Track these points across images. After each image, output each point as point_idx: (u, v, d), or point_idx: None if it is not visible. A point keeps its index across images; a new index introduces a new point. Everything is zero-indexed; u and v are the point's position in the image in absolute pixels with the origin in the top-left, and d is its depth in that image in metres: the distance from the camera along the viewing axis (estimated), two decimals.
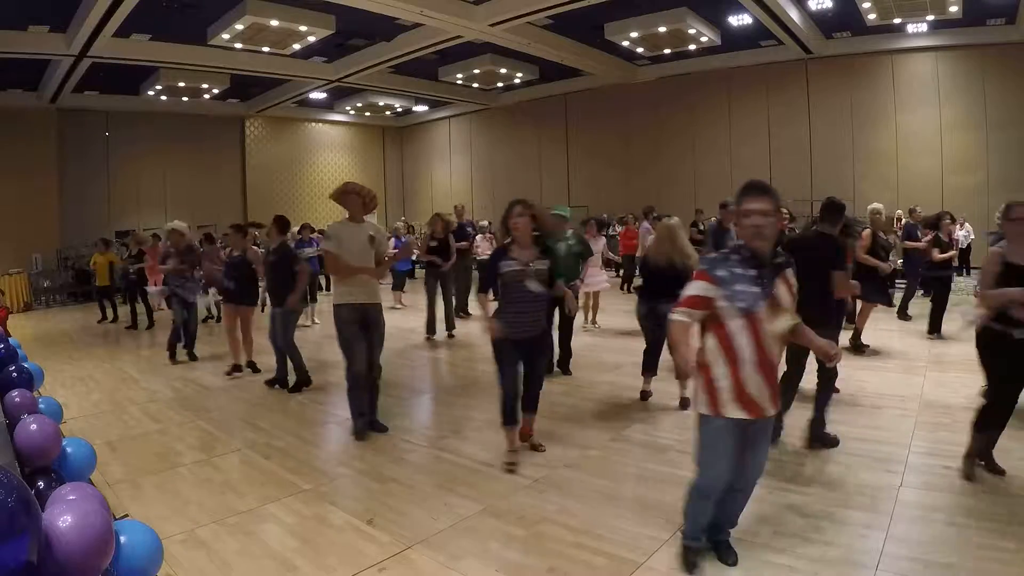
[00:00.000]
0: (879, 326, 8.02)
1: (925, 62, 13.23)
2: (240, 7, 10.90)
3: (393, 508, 3.41)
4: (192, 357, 7.46)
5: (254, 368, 6.68)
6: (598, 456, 4.06)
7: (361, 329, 4.56)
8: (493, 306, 3.98)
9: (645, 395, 5.18)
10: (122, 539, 1.82)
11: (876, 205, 6.87)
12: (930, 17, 11.66)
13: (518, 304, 3.83)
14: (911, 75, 13.47)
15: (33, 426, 2.45)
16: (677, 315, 2.51)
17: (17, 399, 2.98)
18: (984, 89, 12.61)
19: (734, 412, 2.45)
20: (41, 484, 2.31)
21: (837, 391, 4.78)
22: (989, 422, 3.43)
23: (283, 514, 3.37)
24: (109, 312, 11.28)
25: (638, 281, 5.37)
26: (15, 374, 3.57)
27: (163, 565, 2.09)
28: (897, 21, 11.93)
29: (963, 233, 11.97)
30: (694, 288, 2.50)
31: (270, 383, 6.06)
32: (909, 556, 2.71)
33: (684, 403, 4.84)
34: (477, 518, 3.25)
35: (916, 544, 2.81)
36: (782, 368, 2.83)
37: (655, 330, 4.90)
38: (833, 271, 3.88)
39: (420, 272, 10.21)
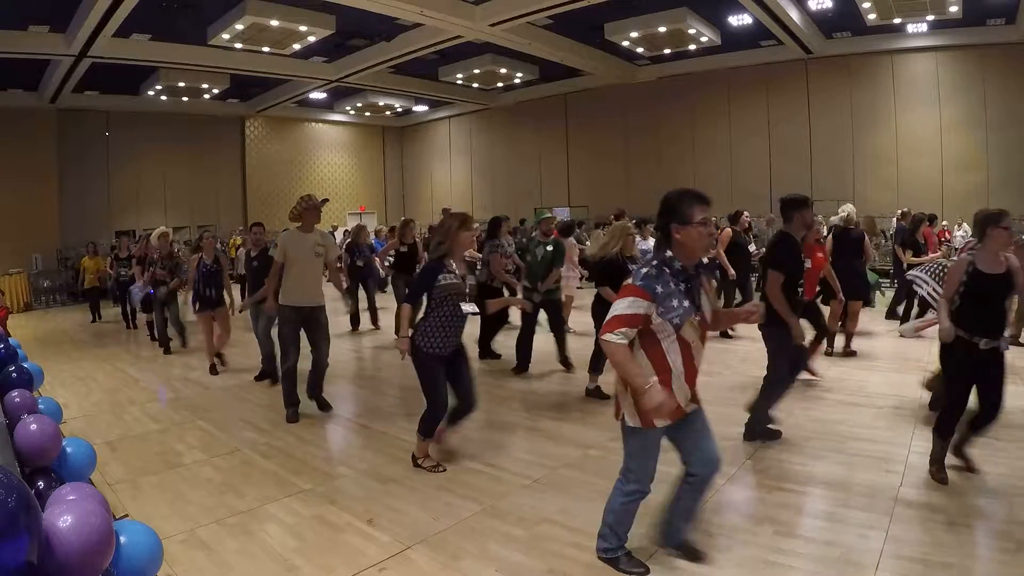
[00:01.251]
0: (879, 327, 8.03)
1: (925, 62, 13.23)
2: (240, 7, 10.90)
3: (393, 508, 3.41)
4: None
5: (221, 360, 7.00)
6: (598, 456, 4.05)
7: (303, 327, 5.00)
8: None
9: (588, 391, 5.36)
10: (122, 539, 1.82)
11: (845, 207, 6.89)
12: (930, 17, 11.66)
13: (451, 316, 3.72)
14: (911, 75, 13.46)
15: (33, 426, 2.45)
16: (616, 337, 2.37)
17: (17, 399, 2.98)
18: (984, 89, 12.61)
19: (661, 421, 2.49)
20: (41, 484, 2.31)
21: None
22: (949, 426, 3.46)
23: (283, 514, 3.37)
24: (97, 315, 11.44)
25: None
26: (15, 374, 3.57)
27: (163, 565, 2.09)
28: (897, 21, 11.93)
29: (960, 234, 11.95)
30: (629, 306, 2.38)
31: (259, 377, 6.39)
32: (909, 556, 2.71)
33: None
34: (477, 518, 3.25)
35: (916, 544, 2.81)
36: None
37: None
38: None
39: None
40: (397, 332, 3.79)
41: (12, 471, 1.60)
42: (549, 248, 6.20)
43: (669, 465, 2.73)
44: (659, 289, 2.37)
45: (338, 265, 5.87)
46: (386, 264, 8.64)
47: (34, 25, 11.17)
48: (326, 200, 5.39)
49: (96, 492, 1.97)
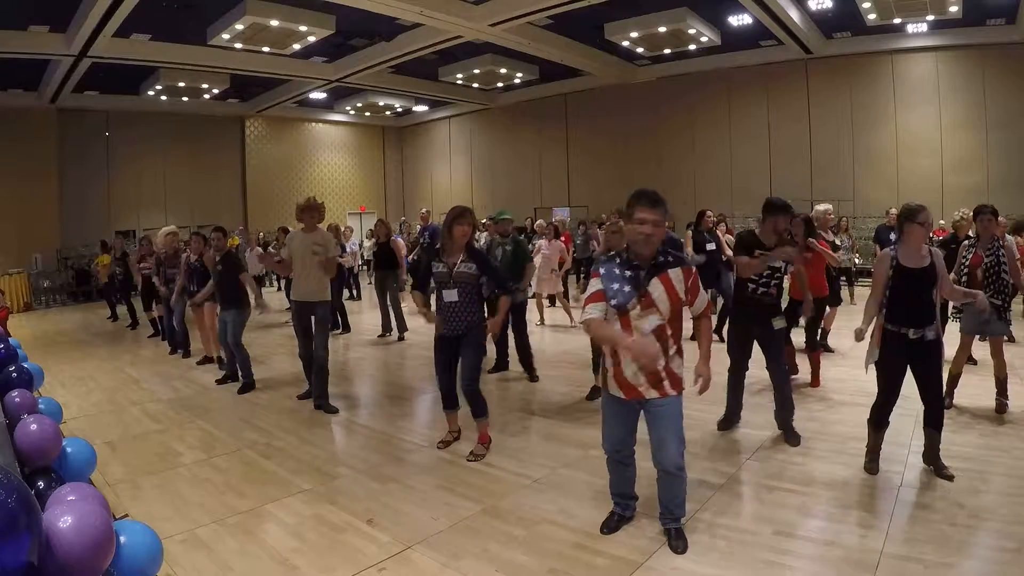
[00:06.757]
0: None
1: (925, 62, 13.22)
2: (240, 7, 10.88)
3: (393, 508, 3.41)
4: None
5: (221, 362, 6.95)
6: (598, 456, 4.02)
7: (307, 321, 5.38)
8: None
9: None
10: (122, 539, 1.82)
11: (822, 206, 6.84)
12: (930, 17, 11.64)
13: (441, 303, 4.12)
14: (911, 75, 13.45)
15: (33, 426, 2.45)
16: (588, 312, 2.78)
17: (17, 399, 2.98)
18: (984, 89, 12.60)
19: (615, 391, 2.84)
20: (41, 484, 2.30)
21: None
22: (882, 416, 3.61)
23: (283, 514, 3.38)
24: (112, 311, 11.39)
25: None
26: (15, 374, 3.57)
27: (163, 565, 2.09)
28: (897, 21, 11.91)
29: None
30: (592, 285, 2.81)
31: (221, 380, 6.39)
32: (909, 556, 2.71)
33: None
34: (477, 518, 3.25)
35: (916, 544, 2.81)
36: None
37: None
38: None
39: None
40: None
41: (12, 471, 1.60)
42: (508, 248, 6.15)
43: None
44: (602, 271, 2.76)
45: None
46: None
47: (34, 25, 11.15)
48: (320, 203, 5.51)
49: (96, 492, 1.96)
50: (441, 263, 4.07)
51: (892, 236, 8.69)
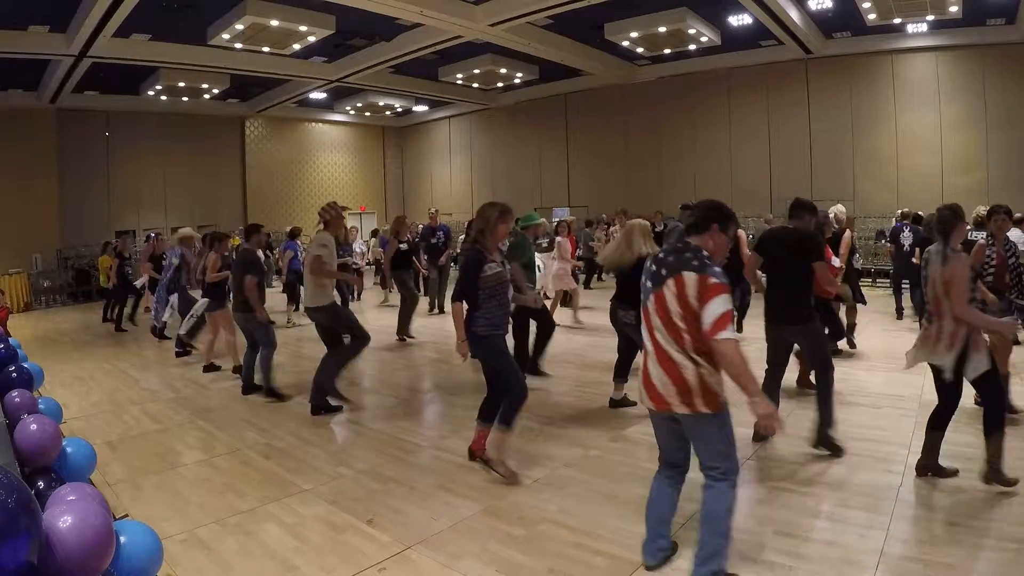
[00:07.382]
0: (881, 327, 8.04)
1: (925, 62, 13.22)
2: (240, 7, 10.89)
3: (393, 508, 3.41)
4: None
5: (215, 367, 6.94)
6: (598, 456, 4.06)
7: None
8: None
9: (614, 402, 5.03)
10: (122, 539, 1.83)
11: (841, 207, 6.83)
12: (930, 17, 11.64)
13: (504, 304, 3.80)
14: (911, 75, 13.45)
15: (33, 426, 2.45)
16: (732, 333, 2.39)
17: (17, 399, 2.99)
18: (984, 89, 12.60)
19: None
20: (41, 484, 2.31)
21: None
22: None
23: (283, 514, 3.38)
24: (111, 313, 11.27)
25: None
26: (15, 374, 3.57)
27: (163, 565, 2.09)
28: (897, 21, 11.90)
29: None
30: (728, 302, 2.41)
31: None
32: (909, 556, 2.71)
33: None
34: (477, 518, 3.25)
35: (916, 544, 2.81)
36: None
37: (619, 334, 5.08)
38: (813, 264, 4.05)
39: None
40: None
41: (12, 471, 1.60)
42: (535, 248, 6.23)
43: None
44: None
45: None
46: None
47: (34, 25, 11.15)
48: (347, 208, 5.75)
49: (96, 492, 1.97)
50: (492, 263, 3.71)
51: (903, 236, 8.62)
